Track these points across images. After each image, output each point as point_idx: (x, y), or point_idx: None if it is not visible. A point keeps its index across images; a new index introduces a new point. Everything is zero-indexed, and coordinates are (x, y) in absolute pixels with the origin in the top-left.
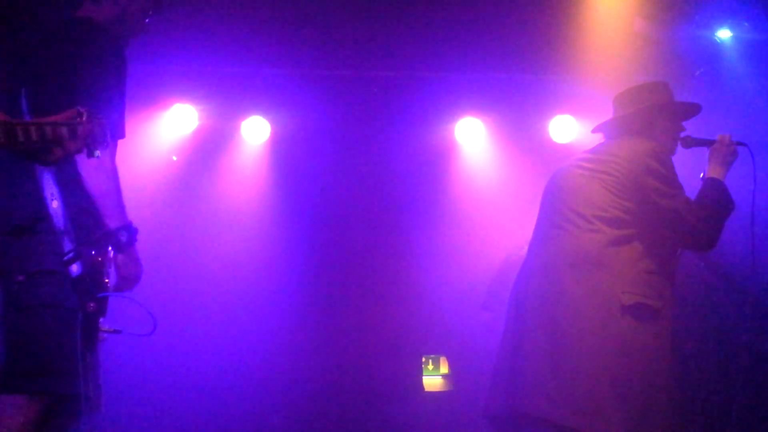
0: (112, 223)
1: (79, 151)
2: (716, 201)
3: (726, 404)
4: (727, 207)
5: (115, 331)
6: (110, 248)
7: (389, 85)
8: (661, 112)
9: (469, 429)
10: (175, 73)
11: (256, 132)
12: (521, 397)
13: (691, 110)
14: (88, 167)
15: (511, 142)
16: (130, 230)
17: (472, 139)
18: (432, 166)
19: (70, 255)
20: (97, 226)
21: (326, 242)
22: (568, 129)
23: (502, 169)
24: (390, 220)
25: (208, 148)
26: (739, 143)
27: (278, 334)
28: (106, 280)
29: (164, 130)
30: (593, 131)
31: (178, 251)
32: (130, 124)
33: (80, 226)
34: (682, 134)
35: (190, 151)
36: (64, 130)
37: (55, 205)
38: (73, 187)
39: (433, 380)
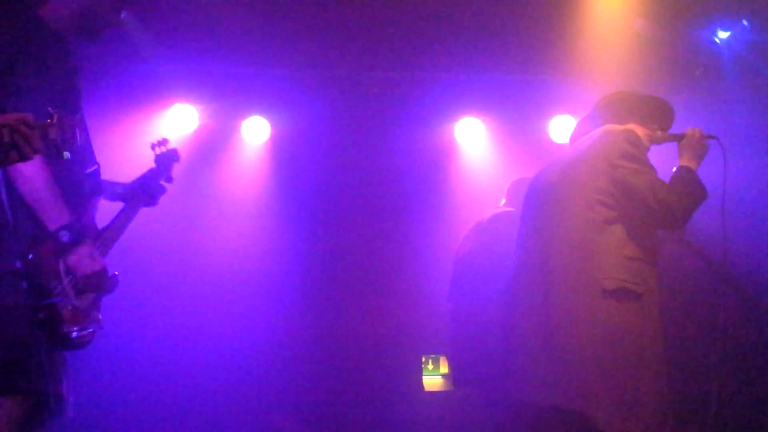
0: (50, 225)
1: (38, 153)
2: (686, 183)
3: (705, 387)
4: (696, 189)
5: (83, 329)
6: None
7: (389, 85)
8: (630, 106)
9: (469, 429)
10: (175, 73)
11: (256, 132)
12: (518, 386)
13: (663, 112)
14: (14, 176)
15: (511, 142)
16: (72, 229)
17: (472, 139)
18: (432, 166)
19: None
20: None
21: (326, 242)
22: (568, 129)
23: (502, 169)
24: (390, 219)
25: (208, 148)
26: (710, 136)
27: (278, 333)
28: (56, 284)
29: (164, 130)
30: (570, 141)
31: (178, 251)
32: (130, 123)
33: (26, 227)
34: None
35: (190, 151)
36: (31, 133)
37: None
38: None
39: (433, 380)
